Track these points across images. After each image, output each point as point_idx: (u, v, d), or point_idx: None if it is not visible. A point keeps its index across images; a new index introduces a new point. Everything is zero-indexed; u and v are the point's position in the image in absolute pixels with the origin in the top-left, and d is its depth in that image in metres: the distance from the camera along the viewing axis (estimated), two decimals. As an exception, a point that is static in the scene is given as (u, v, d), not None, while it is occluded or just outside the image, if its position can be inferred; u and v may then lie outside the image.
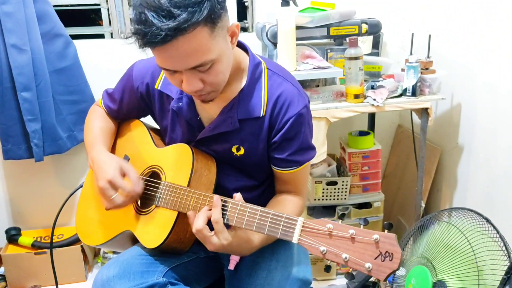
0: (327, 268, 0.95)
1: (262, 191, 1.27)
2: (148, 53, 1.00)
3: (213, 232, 1.02)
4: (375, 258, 0.85)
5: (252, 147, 1.17)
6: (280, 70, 1.18)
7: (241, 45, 1.18)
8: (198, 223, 1.02)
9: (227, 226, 1.03)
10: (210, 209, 1.05)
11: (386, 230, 0.88)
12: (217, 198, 1.04)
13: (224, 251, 1.05)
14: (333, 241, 0.90)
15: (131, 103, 1.28)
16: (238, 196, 1.04)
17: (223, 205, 1.04)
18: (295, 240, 0.94)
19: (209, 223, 1.03)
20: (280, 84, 1.14)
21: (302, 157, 1.18)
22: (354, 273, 0.92)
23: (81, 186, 1.40)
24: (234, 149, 1.18)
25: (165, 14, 0.89)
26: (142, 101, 1.26)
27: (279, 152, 1.16)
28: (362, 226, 0.91)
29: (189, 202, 1.10)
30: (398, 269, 0.84)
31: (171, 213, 1.13)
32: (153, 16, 0.89)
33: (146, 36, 0.90)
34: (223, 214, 1.03)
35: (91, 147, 1.26)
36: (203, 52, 0.95)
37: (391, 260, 0.84)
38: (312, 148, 1.21)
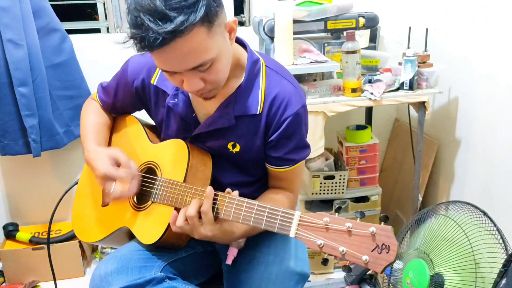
0: (325, 261, 0.95)
1: (258, 187, 1.27)
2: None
3: (201, 221, 1.04)
4: (372, 251, 0.86)
5: (248, 144, 1.16)
6: (278, 68, 1.17)
7: (239, 41, 1.17)
8: (190, 211, 1.03)
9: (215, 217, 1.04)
10: None
11: (382, 223, 0.89)
12: (210, 189, 1.04)
13: (206, 239, 1.07)
14: (330, 234, 0.90)
15: (126, 98, 1.28)
16: (235, 193, 1.04)
17: (218, 198, 1.04)
18: (292, 234, 0.94)
19: None
20: (278, 82, 1.13)
21: (297, 155, 1.18)
22: (351, 266, 0.92)
23: (76, 183, 1.40)
24: (230, 146, 1.17)
25: (161, 17, 0.87)
26: (137, 96, 1.25)
27: (276, 150, 1.16)
28: (358, 219, 0.91)
29: (186, 197, 1.10)
30: (394, 261, 0.85)
31: (168, 209, 1.13)
32: (149, 20, 0.87)
33: (144, 40, 0.89)
34: (218, 208, 1.04)
35: (83, 145, 1.27)
36: (201, 52, 0.94)
37: (387, 253, 0.85)
38: (308, 147, 1.21)
